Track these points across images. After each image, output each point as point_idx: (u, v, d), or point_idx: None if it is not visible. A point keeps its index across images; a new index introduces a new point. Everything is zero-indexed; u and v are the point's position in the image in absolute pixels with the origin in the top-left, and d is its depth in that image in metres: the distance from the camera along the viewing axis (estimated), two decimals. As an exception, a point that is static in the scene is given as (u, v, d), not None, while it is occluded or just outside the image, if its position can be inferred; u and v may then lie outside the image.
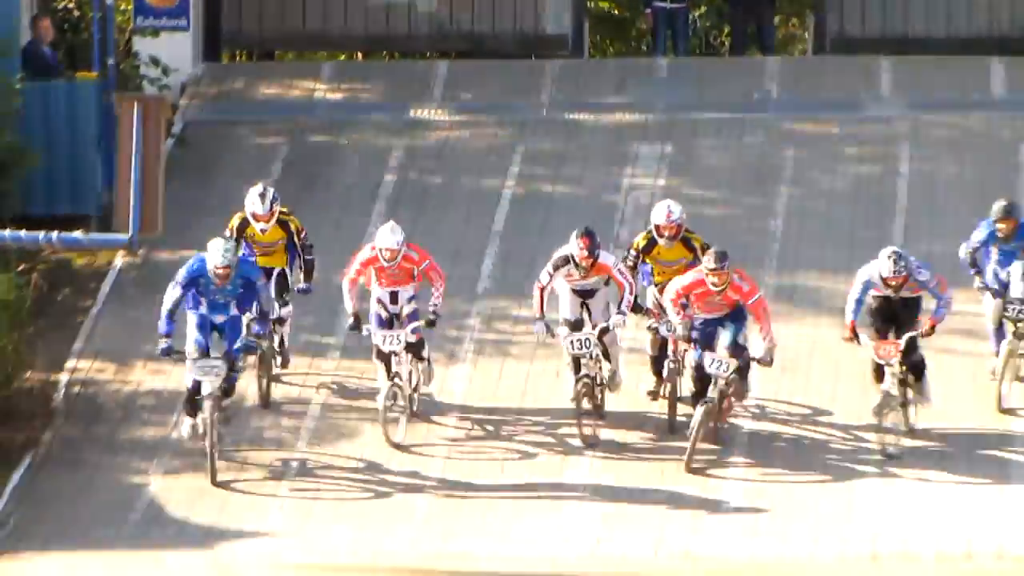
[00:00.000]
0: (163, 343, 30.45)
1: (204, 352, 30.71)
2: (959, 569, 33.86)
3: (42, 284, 53.37)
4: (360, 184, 58.31)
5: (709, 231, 47.63)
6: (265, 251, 33.81)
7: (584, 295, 34.66)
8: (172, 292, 28.81)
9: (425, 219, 54.88)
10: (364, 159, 59.31)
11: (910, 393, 32.62)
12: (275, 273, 34.24)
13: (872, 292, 32.99)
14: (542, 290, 33.86)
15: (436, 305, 34.08)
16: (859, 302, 33.11)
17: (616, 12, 75.67)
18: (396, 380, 34.67)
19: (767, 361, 31.27)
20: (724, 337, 31.71)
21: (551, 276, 33.83)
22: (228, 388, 31.82)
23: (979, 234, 34.39)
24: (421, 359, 35.29)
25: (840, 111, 61.70)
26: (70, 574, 33.59)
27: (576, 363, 33.57)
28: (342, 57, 69.20)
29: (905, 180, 58.05)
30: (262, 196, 33.65)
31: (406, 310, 34.67)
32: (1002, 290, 33.33)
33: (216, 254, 27.25)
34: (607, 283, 35.09)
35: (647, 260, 34.77)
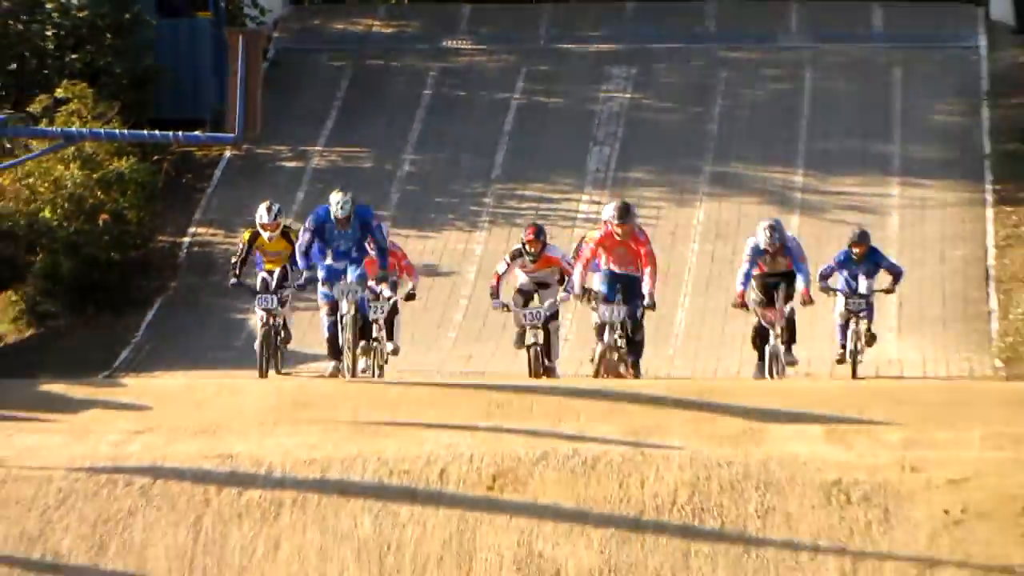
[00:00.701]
0: (306, 274, 29.93)
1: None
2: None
3: (170, 170, 54.62)
4: (405, 96, 59.38)
5: (664, 134, 56.82)
6: (271, 259, 33.66)
7: (539, 286, 33.89)
8: (303, 237, 28.23)
9: (453, 123, 57.42)
10: (408, 78, 60.44)
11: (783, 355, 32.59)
12: (277, 271, 33.92)
13: (756, 270, 32.90)
14: (498, 277, 33.36)
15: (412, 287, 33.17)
16: (747, 275, 33.09)
17: None
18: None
19: (650, 306, 30.87)
20: (631, 288, 30.68)
21: (508, 265, 33.60)
22: (364, 317, 30.30)
23: (838, 257, 34.46)
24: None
25: (760, 43, 62.47)
26: (189, 384, 34.46)
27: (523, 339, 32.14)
28: (392, 1, 67.38)
29: (807, 94, 59.04)
30: (268, 209, 33.56)
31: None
32: (849, 292, 33.64)
33: (336, 202, 27.16)
34: (561, 281, 33.98)
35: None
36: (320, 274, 26.42)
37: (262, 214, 32.72)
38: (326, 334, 27.36)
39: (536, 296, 32.49)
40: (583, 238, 33.20)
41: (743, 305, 32.26)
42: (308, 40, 61.46)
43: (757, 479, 24.80)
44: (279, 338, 34.01)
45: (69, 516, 27.44)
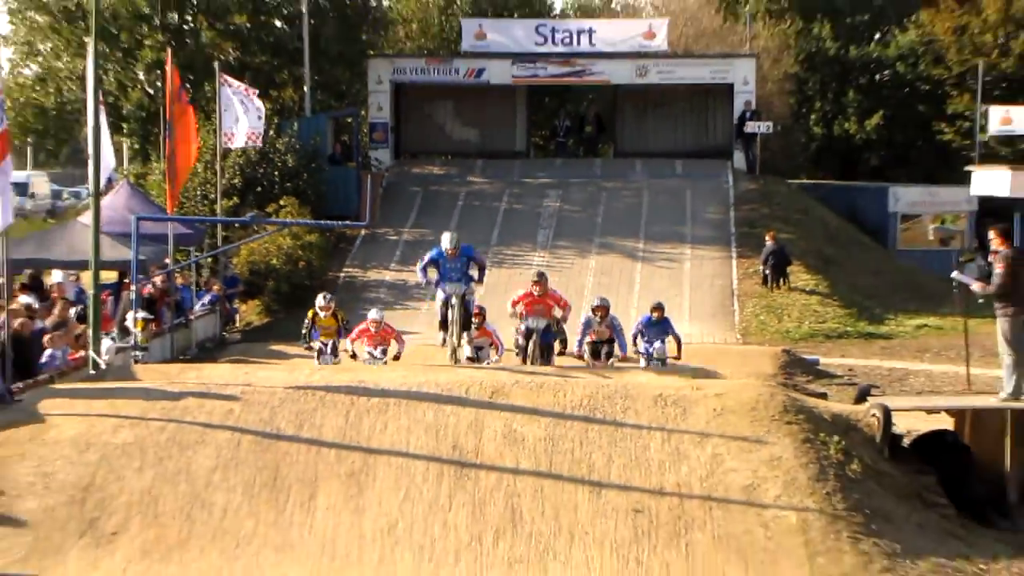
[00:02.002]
0: (424, 281, 27.99)
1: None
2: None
3: (334, 240, 59.00)
4: (448, 204, 63.34)
5: (575, 223, 60.13)
6: (325, 332, 31.73)
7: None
8: (423, 261, 26.34)
9: (472, 217, 60.84)
10: (450, 195, 64.00)
11: None
12: (329, 342, 31.85)
13: (588, 337, 30.68)
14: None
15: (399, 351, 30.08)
16: (581, 341, 30.73)
17: (542, 142, 75.08)
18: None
19: (560, 350, 29.84)
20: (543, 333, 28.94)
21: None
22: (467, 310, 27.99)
23: (641, 321, 32.17)
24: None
25: (621, 178, 64.80)
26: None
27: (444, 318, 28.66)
28: (444, 158, 70.32)
29: (645, 204, 61.83)
30: (324, 298, 32.19)
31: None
32: (648, 356, 30.94)
33: (448, 239, 25.31)
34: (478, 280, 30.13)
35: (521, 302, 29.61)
36: (434, 277, 25.67)
37: (319, 302, 31.95)
38: (439, 318, 26.78)
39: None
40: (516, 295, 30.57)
41: (580, 357, 30.69)
42: (403, 176, 65.15)
43: (622, 393, 26.21)
44: None
45: (283, 409, 28.11)
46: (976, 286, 28.44)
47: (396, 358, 28.19)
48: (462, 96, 68.01)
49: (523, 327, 28.43)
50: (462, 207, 60.46)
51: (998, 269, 28.27)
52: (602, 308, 29.83)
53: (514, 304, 27.97)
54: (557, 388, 25.85)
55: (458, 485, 24.28)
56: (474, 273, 28.14)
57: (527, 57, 65.51)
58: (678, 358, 30.91)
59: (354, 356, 29.46)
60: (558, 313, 29.58)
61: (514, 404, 25.62)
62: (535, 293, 27.59)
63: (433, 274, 27.74)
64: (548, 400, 25.55)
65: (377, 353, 27.80)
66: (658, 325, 30.05)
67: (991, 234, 28.54)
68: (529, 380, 26.60)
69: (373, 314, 28.43)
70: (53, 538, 23.37)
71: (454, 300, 25.34)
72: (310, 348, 31.62)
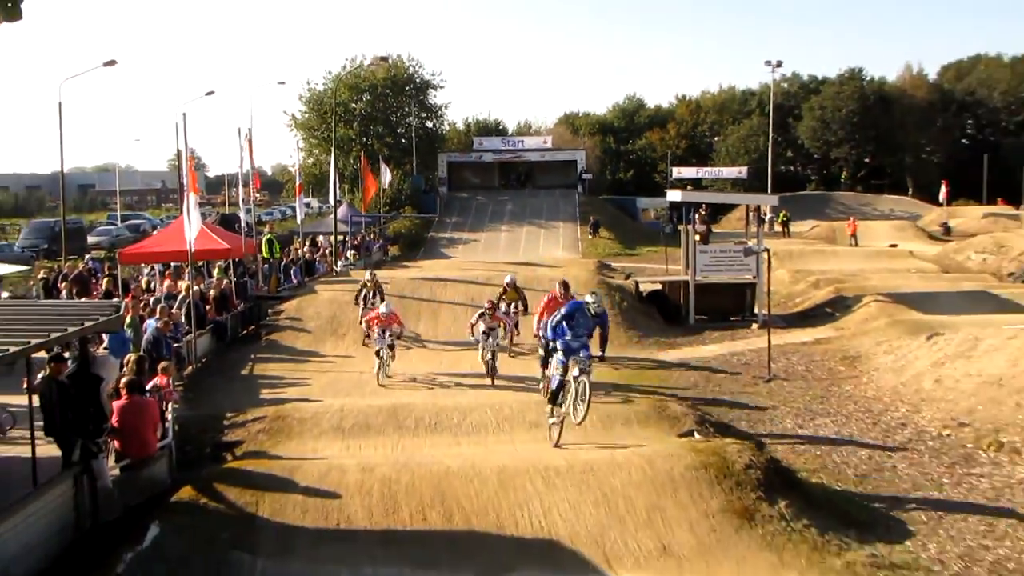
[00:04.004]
0: (546, 339, 15.56)
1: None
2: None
3: (423, 223, 55.78)
4: (483, 211, 59.76)
5: (517, 213, 57.37)
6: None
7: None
8: (557, 317, 14.73)
9: (480, 216, 57.88)
10: (478, 206, 60.68)
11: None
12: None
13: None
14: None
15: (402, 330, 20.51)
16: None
17: (505, 183, 68.56)
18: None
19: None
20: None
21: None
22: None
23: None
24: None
25: (533, 197, 61.83)
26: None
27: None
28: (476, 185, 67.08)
29: (543, 208, 58.68)
30: (371, 273, 24.08)
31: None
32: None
33: (592, 301, 14.42)
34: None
35: (504, 299, 21.06)
36: (559, 345, 14.39)
37: (366, 275, 23.49)
38: (553, 387, 14.48)
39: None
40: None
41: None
42: (451, 198, 61.16)
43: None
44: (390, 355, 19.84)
45: (419, 285, 26.88)
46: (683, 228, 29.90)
47: (398, 336, 20.06)
48: (474, 166, 67.80)
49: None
50: (475, 210, 58.56)
51: (700, 227, 31.48)
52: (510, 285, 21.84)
53: (543, 306, 18.87)
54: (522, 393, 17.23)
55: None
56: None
57: (498, 151, 67.52)
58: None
59: (367, 337, 21.44)
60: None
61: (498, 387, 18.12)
62: (561, 296, 18.45)
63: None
64: (514, 384, 18.32)
65: (385, 336, 19.50)
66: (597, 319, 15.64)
67: (695, 216, 30.64)
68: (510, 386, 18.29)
69: (383, 308, 20.00)
70: (320, 336, 23.91)
71: (578, 372, 13.98)
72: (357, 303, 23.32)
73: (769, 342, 21.73)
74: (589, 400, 13.95)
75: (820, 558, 10.71)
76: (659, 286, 29.07)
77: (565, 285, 19.29)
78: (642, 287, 28.98)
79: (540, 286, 23.50)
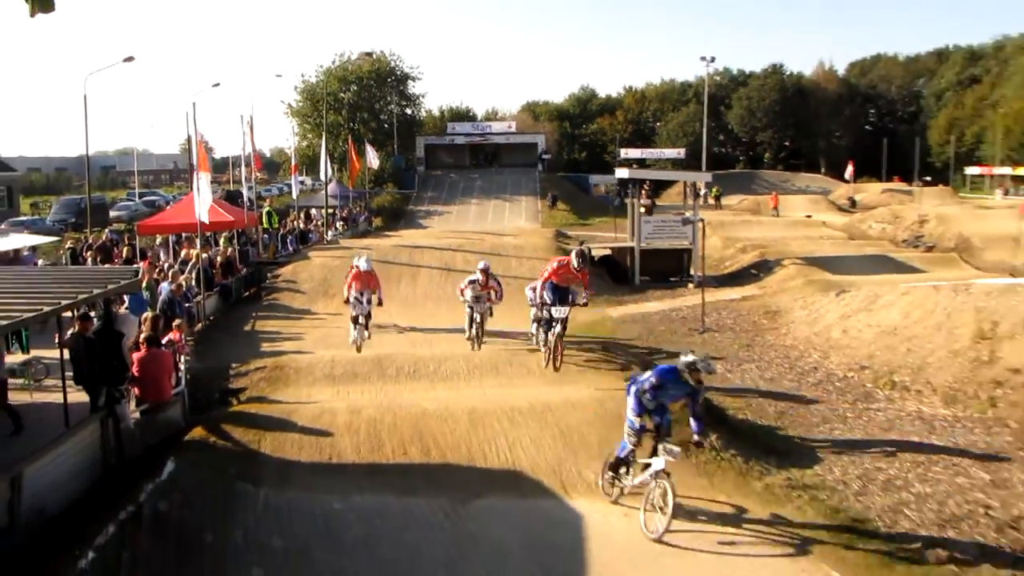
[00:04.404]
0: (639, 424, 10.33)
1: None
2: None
3: (403, 197, 55.92)
4: (453, 187, 58.48)
5: (486, 188, 55.99)
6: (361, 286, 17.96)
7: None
8: (641, 387, 10.26)
9: (453, 191, 56.62)
10: (451, 182, 59.74)
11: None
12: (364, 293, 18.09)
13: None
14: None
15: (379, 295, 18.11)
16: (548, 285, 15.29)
17: (475, 162, 67.35)
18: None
19: (584, 303, 15.57)
20: (567, 297, 15.31)
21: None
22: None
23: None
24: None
25: (499, 175, 60.52)
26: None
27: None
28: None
29: (507, 183, 57.38)
30: (366, 261, 18.12)
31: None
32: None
33: (683, 366, 9.76)
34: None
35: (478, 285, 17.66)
36: (650, 404, 10.12)
37: (358, 263, 18.33)
38: (621, 454, 10.34)
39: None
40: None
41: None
42: (428, 176, 60.25)
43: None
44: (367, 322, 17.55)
45: (398, 251, 25.98)
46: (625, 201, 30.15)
47: (379, 303, 18.22)
48: (448, 148, 66.84)
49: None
50: (448, 186, 57.63)
51: (644, 200, 31.84)
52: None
53: (547, 273, 15.61)
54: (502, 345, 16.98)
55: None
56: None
57: (468, 135, 67.44)
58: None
59: (347, 300, 18.24)
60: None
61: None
62: (574, 268, 15.35)
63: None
64: (492, 348, 16.83)
65: (363, 299, 17.86)
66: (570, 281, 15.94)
67: (640, 191, 31.06)
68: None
69: (362, 264, 18.05)
70: (313, 296, 23.54)
71: (662, 464, 9.58)
72: (348, 301, 18.38)
73: (703, 299, 21.84)
74: (672, 509, 9.64)
75: (744, 482, 10.97)
76: (609, 251, 28.64)
77: (582, 256, 15.60)
78: (594, 252, 27.45)
79: (505, 252, 23.62)
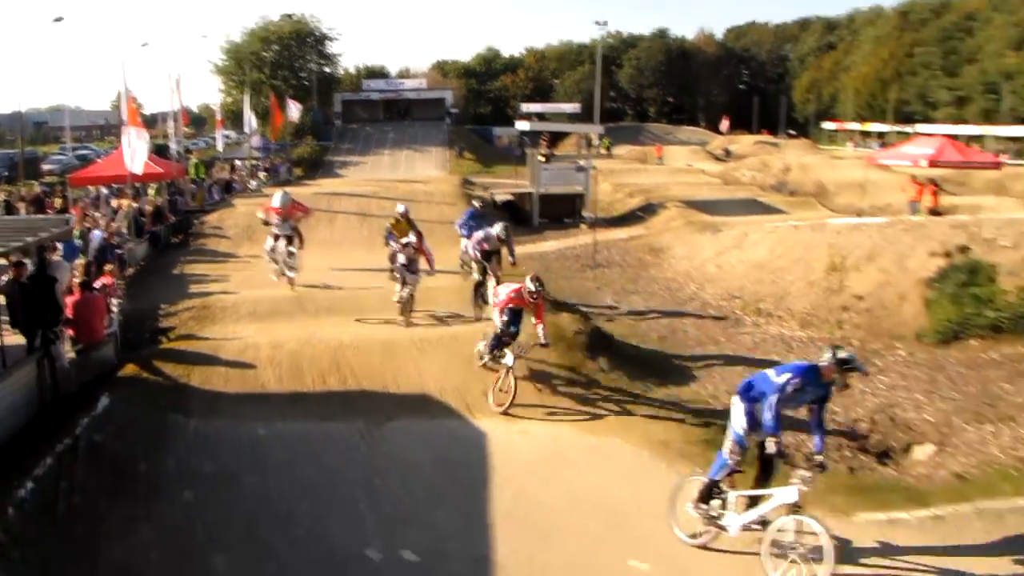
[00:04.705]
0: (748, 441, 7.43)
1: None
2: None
3: (321, 149, 52.54)
4: (369, 139, 55.45)
5: (398, 140, 53.20)
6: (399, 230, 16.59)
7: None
8: (783, 393, 6.92)
9: (368, 143, 53.63)
10: (371, 135, 56.42)
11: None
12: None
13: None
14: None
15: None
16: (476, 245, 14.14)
17: (389, 116, 64.24)
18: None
19: (545, 343, 11.05)
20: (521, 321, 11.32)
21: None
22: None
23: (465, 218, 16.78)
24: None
25: (411, 128, 58.59)
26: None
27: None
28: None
29: (417, 135, 55.39)
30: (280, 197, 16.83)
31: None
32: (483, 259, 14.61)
33: (843, 356, 6.94)
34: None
35: (394, 230, 16.33)
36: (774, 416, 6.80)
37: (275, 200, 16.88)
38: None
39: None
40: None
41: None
42: (345, 130, 57.43)
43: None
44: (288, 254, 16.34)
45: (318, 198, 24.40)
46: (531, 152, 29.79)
47: (300, 242, 16.63)
48: (363, 103, 64.58)
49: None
50: (363, 138, 55.02)
51: (543, 150, 31.92)
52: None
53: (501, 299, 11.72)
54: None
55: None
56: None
57: (383, 91, 66.23)
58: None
59: (266, 223, 16.90)
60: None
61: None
62: (529, 295, 11.24)
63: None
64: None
65: (285, 226, 16.32)
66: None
67: (539, 142, 32.60)
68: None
69: (276, 201, 16.59)
70: (237, 241, 22.89)
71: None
72: (267, 223, 16.97)
73: (595, 239, 22.02)
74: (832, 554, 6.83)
75: (630, 399, 11.21)
76: (511, 197, 28.63)
77: (539, 281, 11.48)
78: (497, 198, 28.36)
79: (416, 198, 22.73)
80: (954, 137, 36.58)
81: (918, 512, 8.09)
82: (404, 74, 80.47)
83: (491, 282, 14.66)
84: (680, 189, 33.39)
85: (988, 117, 59.59)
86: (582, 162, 28.41)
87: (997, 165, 31.29)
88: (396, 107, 67.02)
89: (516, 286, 11.60)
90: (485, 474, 9.32)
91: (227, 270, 20.39)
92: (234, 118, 61.95)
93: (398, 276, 15.07)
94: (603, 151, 52.72)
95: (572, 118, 65.77)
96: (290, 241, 17.13)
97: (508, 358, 11.24)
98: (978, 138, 53.88)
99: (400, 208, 17.66)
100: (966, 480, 9.19)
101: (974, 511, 7.95)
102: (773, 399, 7.13)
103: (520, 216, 27.47)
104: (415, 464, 9.49)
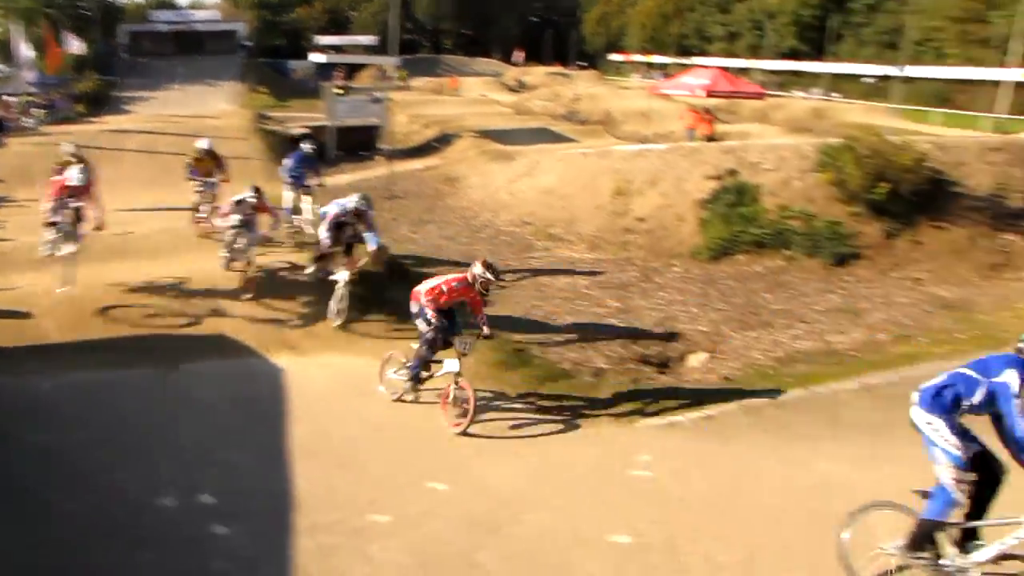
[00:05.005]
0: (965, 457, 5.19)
1: None
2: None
3: (108, 83, 47.07)
4: (159, 72, 49.98)
5: (184, 75, 46.99)
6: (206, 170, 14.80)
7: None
8: (968, 401, 5.17)
9: (159, 77, 48.27)
10: (156, 68, 51.05)
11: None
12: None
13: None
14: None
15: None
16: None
17: (180, 51, 59.53)
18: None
19: (488, 335, 8.60)
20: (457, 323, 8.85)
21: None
22: None
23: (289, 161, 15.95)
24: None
25: (198, 61, 53.33)
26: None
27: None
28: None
29: (207, 68, 49.19)
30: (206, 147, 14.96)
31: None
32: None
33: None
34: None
35: (197, 166, 15.05)
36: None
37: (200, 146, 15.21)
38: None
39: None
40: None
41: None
42: (134, 63, 53.39)
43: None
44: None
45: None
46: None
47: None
48: (152, 35, 60.18)
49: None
50: (153, 72, 48.76)
51: (339, 82, 30.85)
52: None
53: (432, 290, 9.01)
54: None
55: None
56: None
57: (172, 23, 61.47)
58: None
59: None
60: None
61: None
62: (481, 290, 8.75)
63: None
64: None
65: (68, 204, 11.56)
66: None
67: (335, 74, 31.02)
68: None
69: (74, 177, 11.60)
70: (12, 185, 19.39)
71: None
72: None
73: (391, 170, 21.75)
74: None
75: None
76: (308, 130, 26.83)
77: (491, 268, 8.96)
78: (292, 131, 26.66)
79: (205, 133, 19.71)
80: (726, 69, 38.80)
81: (692, 414, 9.03)
82: (195, 5, 75.51)
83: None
84: (475, 119, 32.91)
85: (755, 52, 62.66)
86: (378, 94, 27.90)
87: (761, 96, 33.38)
88: (187, 39, 62.81)
89: (458, 275, 9.04)
90: (282, 408, 9.05)
91: (1, 215, 18.15)
92: (2, 50, 57.42)
93: (225, 240, 12.30)
94: (400, 83, 51.58)
95: (369, 50, 63.68)
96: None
97: (451, 364, 8.94)
98: (746, 71, 56.57)
99: (202, 143, 15.79)
100: (732, 381, 10.05)
101: (739, 408, 9.09)
102: (1018, 404, 5.23)
103: (317, 149, 26.72)
104: (211, 406, 9.10)
